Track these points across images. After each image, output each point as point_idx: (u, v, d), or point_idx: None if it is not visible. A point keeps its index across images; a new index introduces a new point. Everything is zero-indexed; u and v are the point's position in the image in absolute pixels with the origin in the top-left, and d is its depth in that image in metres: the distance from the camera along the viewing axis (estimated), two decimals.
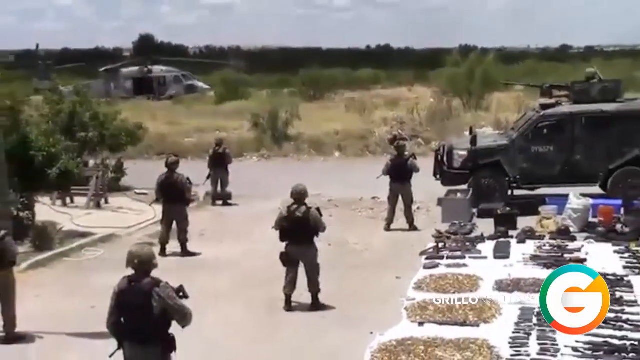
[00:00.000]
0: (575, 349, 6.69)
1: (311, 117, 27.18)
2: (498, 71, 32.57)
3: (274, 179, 17.56)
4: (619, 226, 11.64)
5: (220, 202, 16.40)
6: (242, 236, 13.04)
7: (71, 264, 11.74)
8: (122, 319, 5.73)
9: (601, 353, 6.66)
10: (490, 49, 44.61)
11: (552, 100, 14.89)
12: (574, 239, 11.09)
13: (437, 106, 28.53)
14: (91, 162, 17.68)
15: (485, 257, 10.22)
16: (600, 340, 6.79)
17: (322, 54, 72.15)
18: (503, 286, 8.69)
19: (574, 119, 14.24)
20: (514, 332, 7.24)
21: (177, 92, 41.61)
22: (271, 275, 9.67)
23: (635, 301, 8.02)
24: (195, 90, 42.57)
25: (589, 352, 6.67)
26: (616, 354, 6.67)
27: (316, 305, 9.11)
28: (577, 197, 12.51)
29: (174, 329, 5.71)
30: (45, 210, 14.25)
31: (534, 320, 7.46)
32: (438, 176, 15.11)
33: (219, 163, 16.50)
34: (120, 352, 5.76)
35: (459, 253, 10.39)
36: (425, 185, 14.45)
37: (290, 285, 9.14)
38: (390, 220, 13.34)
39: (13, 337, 8.25)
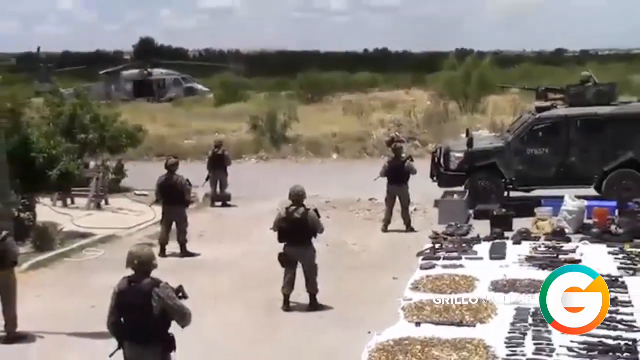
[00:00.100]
0: (570, 349, 6.69)
1: (309, 120, 27.24)
2: (494, 75, 32.64)
3: (272, 180, 17.63)
4: (613, 227, 11.67)
5: (220, 204, 16.45)
6: (241, 237, 13.09)
7: (72, 264, 11.78)
8: (122, 319, 5.75)
9: (596, 353, 6.66)
10: (486, 53, 44.81)
11: (548, 103, 14.98)
12: (569, 240, 11.12)
13: (434, 109, 28.63)
14: (92, 164, 17.70)
15: (482, 258, 10.21)
16: (595, 340, 6.79)
17: (321, 57, 72.06)
18: (499, 287, 8.69)
19: (569, 121, 14.31)
20: (509, 332, 7.23)
21: (176, 95, 41.68)
22: (270, 275, 9.71)
23: (630, 302, 8.01)
24: (194, 92, 42.68)
25: (584, 352, 6.66)
26: (611, 353, 6.67)
27: (314, 306, 9.15)
28: (572, 199, 12.56)
29: (174, 329, 5.73)
30: (46, 211, 14.32)
31: (530, 320, 7.46)
32: (435, 178, 15.19)
33: (218, 165, 16.55)
34: (121, 352, 5.78)
35: (455, 254, 10.37)
36: (422, 187, 14.52)
37: (289, 285, 9.17)
38: (387, 221, 13.40)
39: (14, 337, 8.28)
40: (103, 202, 16.35)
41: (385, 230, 13.36)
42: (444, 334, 7.25)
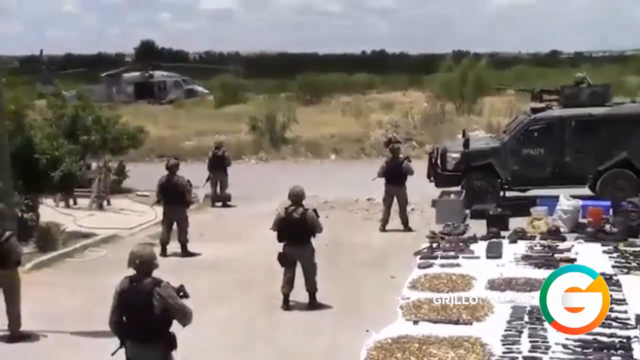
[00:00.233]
0: (565, 346, 6.72)
1: (308, 121, 27.29)
2: (490, 76, 32.75)
3: (271, 181, 17.67)
4: (607, 226, 11.76)
5: (220, 204, 16.51)
6: (241, 237, 13.13)
7: (74, 264, 11.83)
8: (124, 318, 5.78)
9: (590, 350, 6.70)
10: (482, 55, 44.78)
11: (543, 104, 15.04)
12: (564, 239, 11.15)
13: (430, 110, 28.74)
14: (94, 165, 17.79)
15: (478, 257, 10.26)
16: (590, 337, 6.81)
17: (319, 59, 72.01)
18: (495, 285, 8.73)
19: (563, 122, 14.38)
20: (506, 330, 7.26)
21: (177, 97, 41.75)
22: (269, 275, 9.75)
23: (624, 300, 8.04)
24: (195, 94, 42.77)
25: (579, 350, 6.70)
26: (605, 350, 6.71)
27: (313, 304, 9.20)
28: (567, 199, 12.62)
29: (175, 327, 5.76)
30: (49, 211, 14.33)
31: (526, 318, 7.50)
32: (432, 178, 15.22)
33: (219, 165, 16.61)
34: (122, 350, 5.82)
35: (452, 253, 10.41)
36: (420, 187, 14.55)
37: (288, 284, 9.22)
38: (385, 221, 13.46)
39: (18, 336, 8.32)
40: (105, 203, 16.41)
41: (383, 229, 13.43)
42: (441, 331, 7.29)
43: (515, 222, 12.32)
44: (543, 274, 8.90)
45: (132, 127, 18.50)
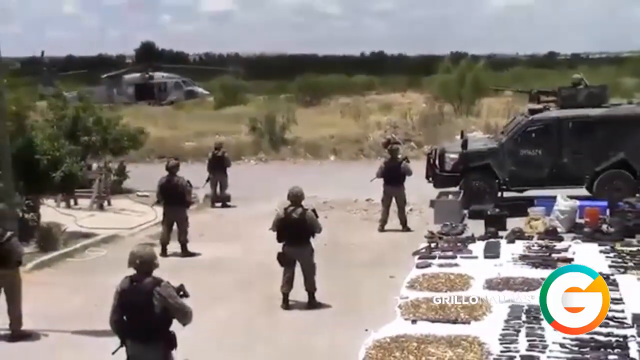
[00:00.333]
0: (562, 345, 6.76)
1: (307, 122, 27.35)
2: (488, 77, 32.74)
3: (271, 181, 17.70)
4: (604, 227, 11.82)
5: (220, 204, 16.54)
6: (241, 237, 13.16)
7: (75, 264, 11.86)
8: (124, 318, 5.80)
9: (587, 349, 6.74)
10: (480, 56, 44.70)
11: (540, 105, 15.06)
12: (561, 239, 11.23)
13: (429, 111, 28.83)
14: (94, 166, 17.80)
15: (476, 257, 10.31)
16: (587, 336, 6.84)
17: (319, 60, 72.08)
18: (493, 285, 8.79)
19: (561, 123, 14.41)
20: (503, 329, 7.31)
21: (177, 98, 41.82)
22: (269, 274, 9.79)
23: (621, 299, 8.08)
24: (195, 95, 42.85)
25: (576, 348, 6.74)
26: (602, 349, 6.75)
27: (312, 304, 9.23)
28: (564, 199, 12.66)
29: (175, 326, 5.79)
30: (50, 211, 14.34)
31: (523, 317, 7.55)
32: (430, 179, 15.27)
33: (218, 166, 16.64)
34: (123, 349, 5.84)
35: (450, 253, 10.48)
36: (418, 188, 14.58)
37: (288, 284, 9.26)
38: (384, 221, 13.50)
39: (19, 335, 8.35)
40: (105, 203, 16.45)
41: (381, 229, 13.47)
42: (439, 331, 7.34)
43: (513, 223, 12.36)
44: (540, 273, 9.01)
45: (133, 128, 18.53)
